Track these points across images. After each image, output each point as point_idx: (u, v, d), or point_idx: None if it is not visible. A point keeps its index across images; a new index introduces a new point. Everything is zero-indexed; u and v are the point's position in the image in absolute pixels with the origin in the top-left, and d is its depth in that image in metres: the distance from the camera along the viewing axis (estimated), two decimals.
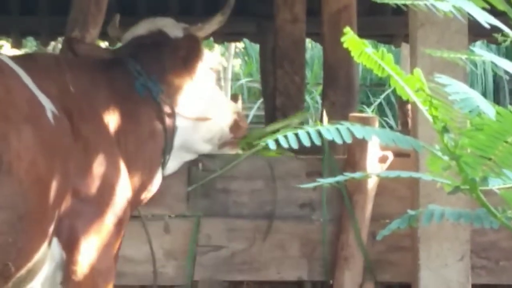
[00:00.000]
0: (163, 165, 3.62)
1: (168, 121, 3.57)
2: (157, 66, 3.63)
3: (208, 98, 3.78)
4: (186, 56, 3.66)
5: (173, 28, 3.76)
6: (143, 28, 3.78)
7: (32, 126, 2.99)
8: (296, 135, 1.48)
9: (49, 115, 3.11)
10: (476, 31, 4.59)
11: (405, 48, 8.28)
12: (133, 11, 6.99)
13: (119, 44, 4.13)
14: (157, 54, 3.67)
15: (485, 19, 1.60)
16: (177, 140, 3.63)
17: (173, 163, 3.71)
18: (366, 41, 1.57)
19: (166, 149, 3.58)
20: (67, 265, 3.18)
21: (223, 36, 8.23)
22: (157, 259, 3.88)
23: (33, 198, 2.94)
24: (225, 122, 3.85)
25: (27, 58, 4.12)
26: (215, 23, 3.84)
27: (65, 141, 3.16)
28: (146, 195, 3.63)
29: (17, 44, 8.43)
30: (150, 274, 3.88)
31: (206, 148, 3.85)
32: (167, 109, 3.58)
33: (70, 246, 3.17)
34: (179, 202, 3.92)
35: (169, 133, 3.58)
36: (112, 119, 3.43)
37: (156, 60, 3.65)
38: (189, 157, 3.84)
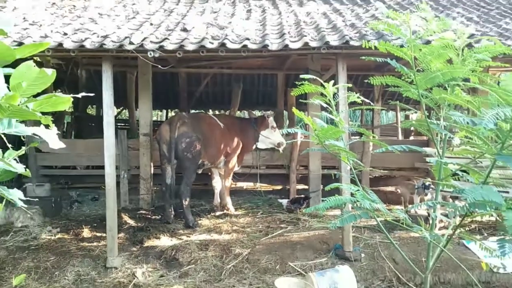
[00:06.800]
0: (255, 146, 10.18)
1: (257, 134, 9.96)
2: (256, 123, 10.11)
3: (271, 132, 9.94)
4: (261, 121, 10.06)
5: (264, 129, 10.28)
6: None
7: (218, 130, 9.34)
8: None
9: (222, 127, 9.43)
10: None
11: None
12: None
13: None
14: (258, 120, 10.22)
15: None
16: (260, 140, 10.01)
17: (260, 145, 10.08)
18: None
19: (255, 141, 10.01)
20: (225, 165, 9.72)
21: None
22: None
23: (218, 144, 9.30)
24: (277, 141, 9.97)
25: (218, 115, 10.66)
26: (271, 116, 10.09)
27: (225, 134, 9.41)
28: (247, 155, 10.47)
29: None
30: None
31: (270, 145, 10.07)
32: (257, 132, 9.97)
33: (226, 160, 9.70)
34: None
35: (256, 138, 9.99)
36: (239, 132, 9.82)
37: (257, 121, 10.18)
38: (264, 146, 10.19)
